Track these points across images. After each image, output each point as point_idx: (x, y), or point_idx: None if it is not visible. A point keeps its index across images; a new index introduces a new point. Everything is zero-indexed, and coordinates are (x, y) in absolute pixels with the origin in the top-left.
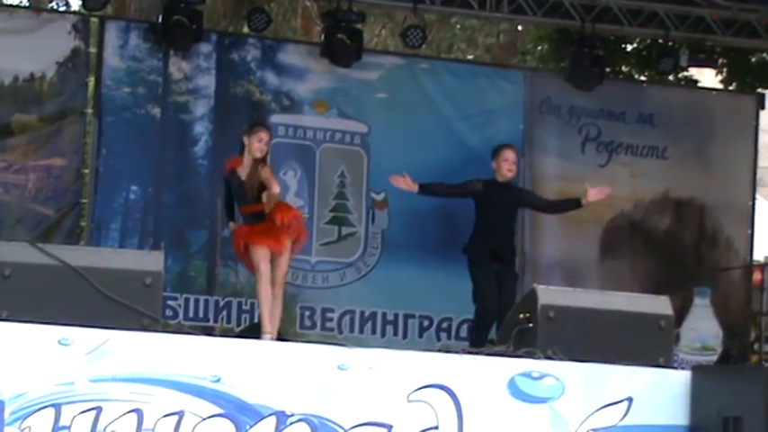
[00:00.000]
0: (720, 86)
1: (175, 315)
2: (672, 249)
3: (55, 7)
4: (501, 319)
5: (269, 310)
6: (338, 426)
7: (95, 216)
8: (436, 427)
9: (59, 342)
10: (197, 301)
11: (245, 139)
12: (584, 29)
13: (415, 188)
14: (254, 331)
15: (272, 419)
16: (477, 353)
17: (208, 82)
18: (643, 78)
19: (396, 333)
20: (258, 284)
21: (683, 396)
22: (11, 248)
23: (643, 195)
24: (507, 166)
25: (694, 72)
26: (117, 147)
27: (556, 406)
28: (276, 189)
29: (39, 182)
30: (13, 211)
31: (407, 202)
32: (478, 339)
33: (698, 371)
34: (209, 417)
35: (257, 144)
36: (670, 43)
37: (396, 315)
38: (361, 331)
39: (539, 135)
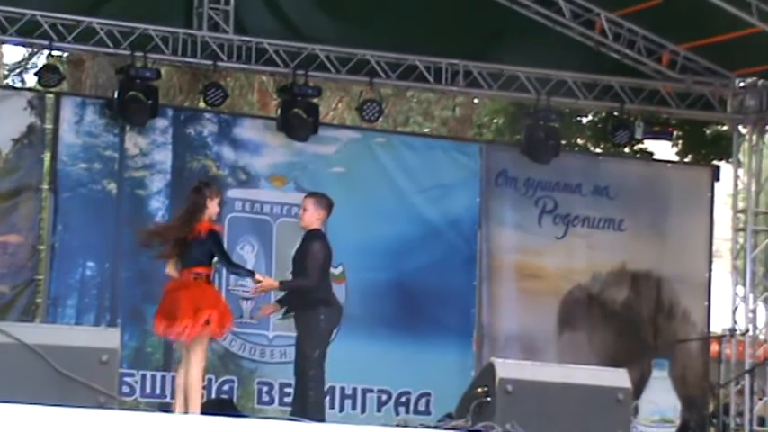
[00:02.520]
0: (676, 159)
1: (132, 391)
2: (629, 321)
3: (11, 84)
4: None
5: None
6: None
7: (51, 292)
8: None
9: (16, 422)
10: (154, 377)
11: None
12: (540, 102)
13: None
14: (212, 407)
15: None
16: (435, 427)
17: (164, 157)
18: (599, 151)
19: (354, 407)
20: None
21: None
22: None
23: (600, 268)
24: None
25: (649, 144)
26: (73, 223)
27: None
28: None
29: None
30: None
31: (365, 276)
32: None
33: None
34: None
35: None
36: (625, 116)
37: (354, 389)
38: None
39: (495, 207)
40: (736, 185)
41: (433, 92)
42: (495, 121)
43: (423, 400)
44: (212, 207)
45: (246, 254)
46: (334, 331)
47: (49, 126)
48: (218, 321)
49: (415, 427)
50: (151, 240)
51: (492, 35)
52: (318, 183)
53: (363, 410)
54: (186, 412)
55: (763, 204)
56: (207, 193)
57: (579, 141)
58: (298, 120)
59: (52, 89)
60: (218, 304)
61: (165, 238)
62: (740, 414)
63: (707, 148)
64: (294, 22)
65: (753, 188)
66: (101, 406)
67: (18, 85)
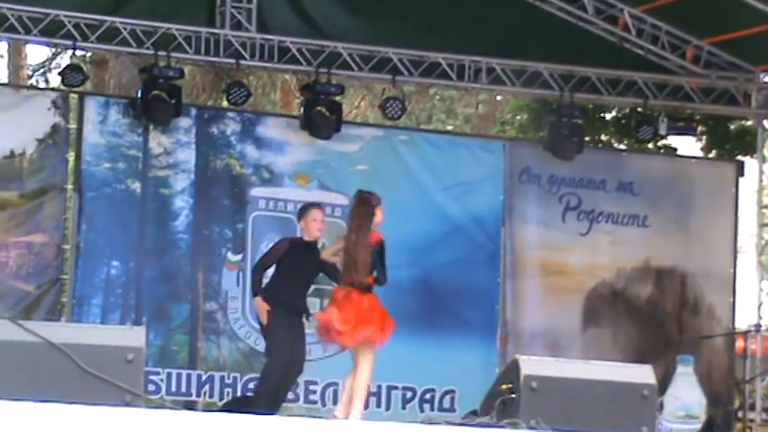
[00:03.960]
0: (700, 154)
1: (158, 390)
2: (654, 317)
3: (35, 84)
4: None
5: None
6: None
7: (76, 292)
8: None
9: (42, 420)
10: (179, 375)
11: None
12: (563, 98)
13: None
14: (237, 405)
15: None
16: (460, 424)
17: (188, 156)
18: (622, 147)
19: (379, 405)
20: None
21: None
22: None
23: (624, 264)
24: (317, 226)
25: (673, 140)
26: (97, 222)
27: None
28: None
29: (19, 258)
30: None
31: (389, 273)
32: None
33: None
34: None
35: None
36: (649, 111)
37: (379, 387)
38: None
39: (519, 204)
40: (761, 180)
41: (455, 89)
42: (518, 117)
43: (447, 398)
44: (378, 215)
45: None
46: None
47: (73, 126)
48: (379, 331)
49: (440, 425)
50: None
51: (515, 32)
52: (341, 181)
53: (388, 408)
54: (347, 417)
55: None
56: (373, 203)
57: (603, 137)
58: (321, 118)
59: (76, 89)
60: (377, 318)
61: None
62: (766, 410)
63: (731, 144)
64: (317, 21)
65: None
66: (127, 404)
67: (42, 85)
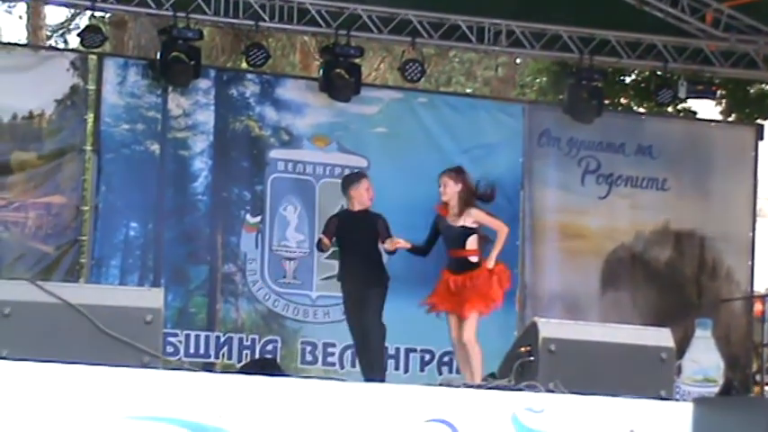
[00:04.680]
0: (719, 118)
1: (176, 352)
2: (673, 281)
3: (53, 45)
4: (365, 338)
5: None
6: None
7: (95, 253)
8: None
9: (61, 381)
10: (197, 337)
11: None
12: (583, 61)
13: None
14: (256, 367)
15: None
16: (478, 387)
17: (207, 118)
18: (642, 110)
19: (397, 367)
20: None
21: (685, 428)
22: (11, 287)
23: (643, 227)
24: (369, 195)
25: (693, 103)
26: (116, 183)
27: None
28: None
29: (38, 219)
30: (13, 249)
31: (407, 236)
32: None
33: (700, 403)
34: None
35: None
36: (668, 75)
37: (397, 349)
38: None
39: (538, 167)
40: None
41: (475, 52)
42: (537, 80)
43: None
44: None
45: (289, 214)
46: None
47: (91, 87)
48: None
49: (458, 387)
50: None
51: None
52: (360, 143)
53: (407, 370)
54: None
55: None
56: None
57: (622, 101)
58: (340, 80)
59: (95, 50)
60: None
61: None
62: None
63: (751, 107)
64: None
65: None
66: (145, 366)
67: (61, 46)
